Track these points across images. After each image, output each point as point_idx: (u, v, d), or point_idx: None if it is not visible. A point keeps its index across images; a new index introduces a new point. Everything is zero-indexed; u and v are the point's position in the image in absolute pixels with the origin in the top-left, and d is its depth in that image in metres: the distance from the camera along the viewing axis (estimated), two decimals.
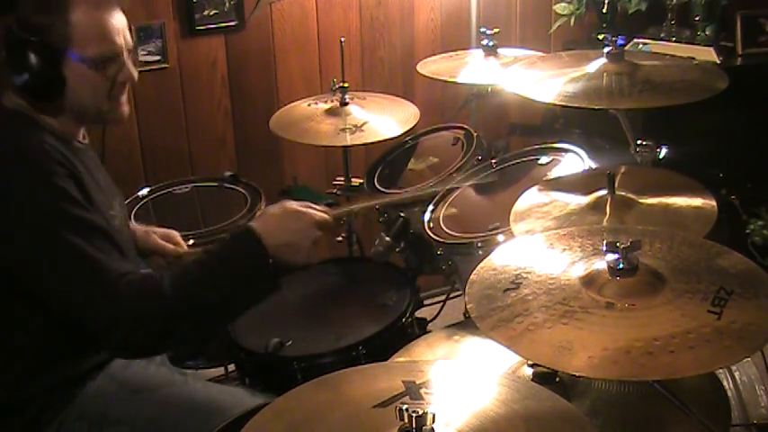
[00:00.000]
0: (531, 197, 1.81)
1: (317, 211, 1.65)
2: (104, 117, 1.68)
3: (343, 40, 2.55)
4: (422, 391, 1.17)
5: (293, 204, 1.64)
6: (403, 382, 1.18)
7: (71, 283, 1.49)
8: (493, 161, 2.28)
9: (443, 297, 2.45)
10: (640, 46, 2.93)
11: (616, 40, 1.91)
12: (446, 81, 2.56)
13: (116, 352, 1.63)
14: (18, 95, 1.60)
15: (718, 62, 2.81)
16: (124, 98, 1.68)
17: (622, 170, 1.80)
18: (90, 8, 1.57)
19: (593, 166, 2.07)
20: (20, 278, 1.52)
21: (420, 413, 1.03)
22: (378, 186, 2.42)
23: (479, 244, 1.95)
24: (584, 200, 1.73)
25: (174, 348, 1.67)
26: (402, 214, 2.26)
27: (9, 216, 1.50)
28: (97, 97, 1.63)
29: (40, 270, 1.51)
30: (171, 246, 2.00)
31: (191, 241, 2.19)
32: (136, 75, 1.67)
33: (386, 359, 1.70)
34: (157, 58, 2.70)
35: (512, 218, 1.74)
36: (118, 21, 1.62)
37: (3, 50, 1.57)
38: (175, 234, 2.04)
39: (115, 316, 1.47)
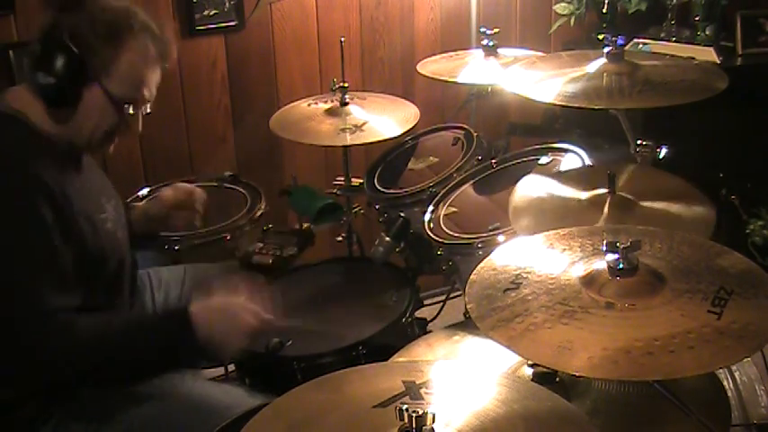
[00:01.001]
0: (529, 189, 1.81)
1: (261, 323, 1.68)
2: (89, 147, 1.70)
3: (343, 40, 2.55)
4: (422, 391, 1.17)
5: (239, 307, 1.67)
6: (403, 382, 1.18)
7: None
8: (493, 161, 2.28)
9: (443, 297, 2.45)
10: (640, 46, 2.92)
11: (616, 40, 1.91)
12: (446, 81, 2.56)
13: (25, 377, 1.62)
14: (28, 90, 1.61)
15: (718, 62, 2.81)
16: (115, 142, 1.71)
17: (624, 171, 1.80)
18: (139, 57, 1.62)
19: (594, 165, 2.07)
20: None
21: (420, 413, 1.03)
22: (378, 186, 2.42)
23: (479, 244, 1.95)
24: (583, 196, 1.73)
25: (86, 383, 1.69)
26: (402, 214, 2.26)
27: None
28: (98, 129, 1.65)
29: None
30: (180, 193, 2.03)
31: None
32: (140, 129, 1.71)
33: (386, 359, 1.70)
34: None
35: (511, 214, 1.74)
36: (155, 77, 1.67)
37: (39, 45, 1.58)
38: (180, 183, 2.08)
39: (28, 349, 1.51)
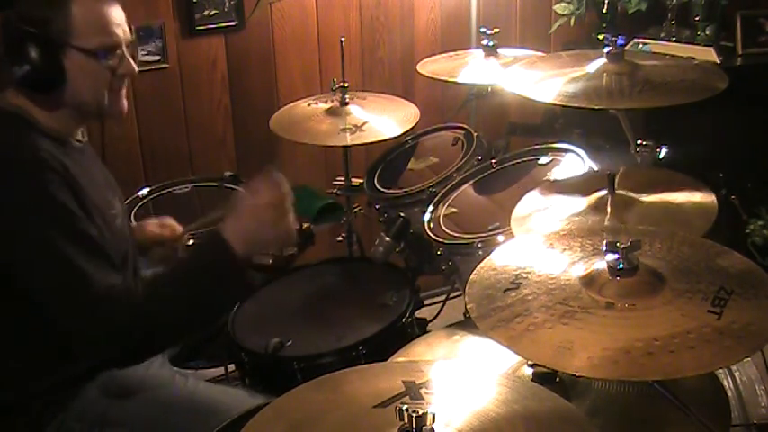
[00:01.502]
0: (531, 201, 1.81)
1: (276, 198, 1.66)
2: (104, 112, 1.67)
3: (343, 40, 2.55)
4: (422, 391, 1.16)
5: (248, 200, 1.66)
6: (403, 382, 1.18)
7: (56, 292, 1.51)
8: (493, 161, 2.28)
9: (443, 297, 2.45)
10: (640, 46, 2.92)
11: (616, 40, 1.91)
12: (446, 81, 2.56)
13: (95, 361, 1.62)
14: (18, 91, 1.60)
15: (718, 62, 2.81)
16: (123, 92, 1.68)
17: (622, 171, 1.80)
18: (90, 1, 1.58)
19: (593, 165, 2.07)
20: (15, 279, 1.52)
21: (420, 413, 1.03)
22: (378, 186, 2.42)
23: (479, 244, 1.95)
24: (584, 201, 1.73)
25: (156, 353, 1.69)
26: (402, 214, 2.26)
27: (3, 221, 1.50)
28: (98, 90, 1.62)
29: (29, 275, 1.52)
30: (167, 231, 1.99)
31: (191, 241, 2.19)
32: (136, 68, 1.68)
33: (386, 359, 1.70)
34: (157, 58, 2.70)
35: (512, 222, 1.74)
36: (117, 13, 1.63)
37: (2, 44, 1.57)
38: (169, 220, 2.03)
39: (94, 329, 1.50)
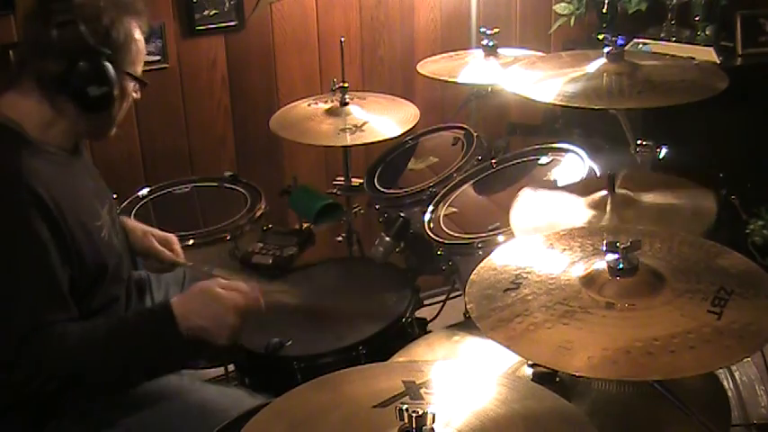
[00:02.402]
0: (530, 199, 1.81)
1: (243, 296, 1.65)
2: (110, 133, 1.73)
3: (343, 40, 2.55)
4: (422, 391, 1.17)
5: (217, 286, 1.64)
6: (403, 382, 1.18)
7: None
8: (493, 161, 2.28)
9: (443, 297, 2.45)
10: (640, 46, 2.92)
11: (616, 40, 1.91)
12: (446, 81, 2.56)
13: (15, 391, 1.58)
14: (29, 100, 1.60)
15: (718, 62, 2.80)
16: None
17: (622, 173, 1.81)
18: (136, 31, 1.65)
19: (593, 165, 2.07)
20: None
21: (420, 413, 1.03)
22: (378, 186, 2.42)
23: (479, 244, 1.95)
24: (584, 200, 1.73)
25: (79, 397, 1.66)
26: (402, 214, 2.26)
27: None
28: (123, 113, 1.70)
29: None
30: (167, 252, 2.00)
31: (190, 241, 2.19)
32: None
33: (386, 359, 1.70)
34: (157, 58, 2.70)
35: (512, 221, 1.74)
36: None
37: (57, 61, 1.57)
38: (174, 240, 2.04)
39: (18, 361, 1.49)
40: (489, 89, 2.61)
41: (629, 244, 1.28)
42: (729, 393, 1.68)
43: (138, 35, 1.66)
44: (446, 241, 2.04)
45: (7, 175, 1.53)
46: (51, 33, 1.56)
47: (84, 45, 1.57)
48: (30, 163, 1.56)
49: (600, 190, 1.73)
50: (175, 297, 1.64)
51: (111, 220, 1.77)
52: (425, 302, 2.31)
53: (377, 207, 2.39)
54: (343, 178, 2.64)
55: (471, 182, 2.25)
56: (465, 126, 2.51)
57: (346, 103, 2.47)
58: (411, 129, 2.47)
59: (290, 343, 1.92)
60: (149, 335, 1.61)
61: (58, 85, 1.59)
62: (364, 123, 2.41)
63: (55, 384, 1.52)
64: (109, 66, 1.59)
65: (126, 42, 1.62)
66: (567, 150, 2.20)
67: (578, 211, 1.71)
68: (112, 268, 1.69)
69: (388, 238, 2.24)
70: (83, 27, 1.57)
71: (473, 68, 2.56)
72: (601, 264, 1.30)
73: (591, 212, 1.69)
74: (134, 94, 1.71)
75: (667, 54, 2.40)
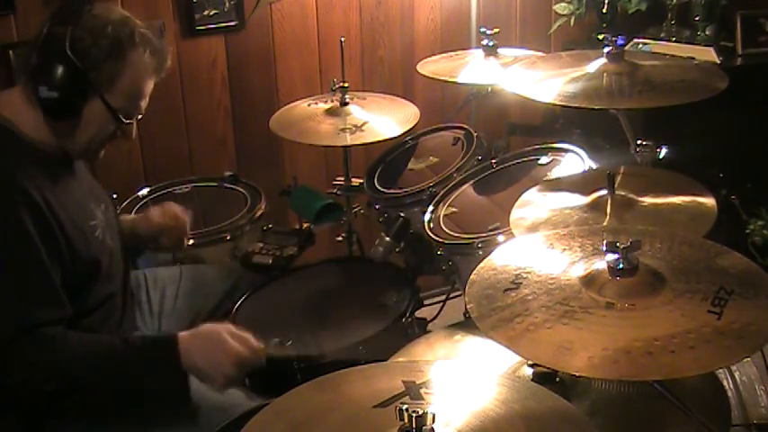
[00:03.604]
0: (531, 198, 1.81)
1: (249, 350, 1.65)
2: (82, 155, 1.71)
3: (343, 40, 2.54)
4: (422, 391, 1.17)
5: (227, 333, 1.64)
6: (403, 382, 1.18)
7: None
8: (493, 161, 2.28)
9: (443, 297, 2.45)
10: (640, 46, 2.92)
11: (616, 40, 1.91)
12: (446, 81, 2.56)
13: (11, 391, 1.59)
14: (24, 100, 1.60)
15: (718, 62, 2.81)
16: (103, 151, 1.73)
17: (622, 170, 1.80)
18: (140, 71, 1.63)
19: (593, 166, 2.07)
20: None
21: (420, 413, 1.03)
22: (378, 186, 2.42)
23: (479, 244, 1.95)
24: (584, 200, 1.73)
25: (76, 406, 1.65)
26: (402, 214, 2.26)
27: None
28: (94, 139, 1.66)
29: None
30: (170, 219, 2.00)
31: (191, 241, 2.19)
32: (134, 136, 1.73)
33: (386, 359, 1.70)
34: None
35: (512, 221, 1.74)
36: (150, 87, 1.68)
37: (38, 56, 1.57)
38: (172, 205, 2.04)
39: (12, 362, 1.49)
40: (489, 89, 2.61)
41: (629, 244, 1.28)
42: (729, 393, 1.68)
43: (139, 74, 1.63)
44: (446, 241, 2.04)
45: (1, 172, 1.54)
46: (43, 30, 1.56)
47: (62, 48, 1.54)
48: (21, 161, 1.57)
49: (600, 189, 1.73)
50: (183, 332, 1.64)
51: (107, 221, 1.77)
52: (425, 302, 2.31)
53: (377, 207, 2.39)
54: (343, 178, 2.64)
55: (471, 182, 2.25)
56: (465, 126, 2.51)
57: (346, 103, 2.47)
58: (411, 129, 2.47)
59: (289, 343, 1.92)
60: (150, 361, 1.60)
61: (27, 78, 1.59)
62: (364, 123, 2.41)
63: (53, 385, 1.52)
64: (77, 77, 1.55)
65: (117, 71, 1.59)
66: (567, 150, 2.20)
67: (578, 211, 1.71)
68: (106, 266, 1.70)
69: (388, 238, 2.24)
70: (79, 33, 1.55)
71: (473, 68, 2.56)
72: (601, 264, 1.30)
73: (591, 213, 1.69)
74: (111, 126, 1.65)
75: (667, 54, 2.41)
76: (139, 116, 1.71)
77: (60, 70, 1.55)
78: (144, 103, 1.68)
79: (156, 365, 1.60)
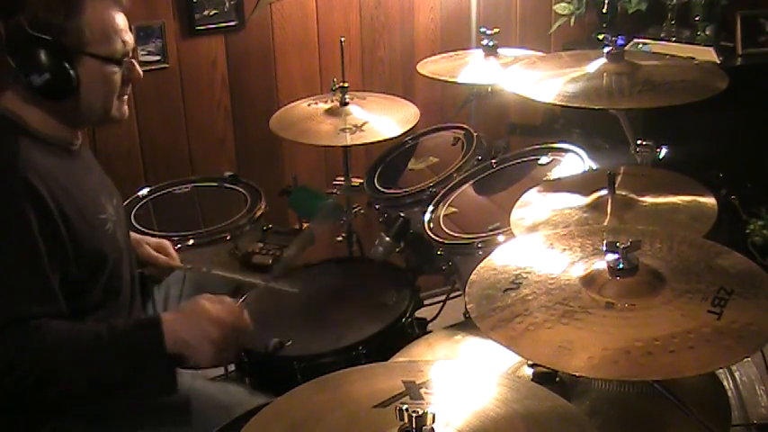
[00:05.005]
0: (531, 198, 1.81)
1: (227, 310, 1.63)
2: (110, 117, 1.68)
3: (343, 40, 2.55)
4: (422, 391, 1.16)
5: (204, 300, 1.63)
6: (403, 382, 1.18)
7: None
8: (493, 161, 2.28)
9: (443, 297, 2.45)
10: (640, 46, 2.93)
11: (616, 40, 1.91)
12: (446, 81, 2.56)
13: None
14: (22, 96, 1.59)
15: (718, 62, 2.81)
16: (126, 97, 1.70)
17: (622, 170, 1.80)
18: (100, 10, 1.59)
19: (593, 166, 2.07)
20: None
21: (420, 413, 1.02)
22: (378, 186, 2.42)
23: (479, 244, 1.95)
24: (584, 200, 1.73)
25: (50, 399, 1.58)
26: (402, 214, 2.26)
27: None
28: (107, 96, 1.64)
29: None
30: (163, 257, 2.01)
31: (191, 241, 2.19)
32: (141, 75, 1.70)
33: (386, 359, 1.70)
34: (157, 58, 2.70)
35: (512, 221, 1.74)
36: (123, 20, 1.64)
37: (10, 50, 1.55)
38: (167, 245, 2.05)
39: None
40: (489, 89, 2.61)
41: (629, 244, 1.28)
42: (729, 393, 1.68)
43: (100, 11, 1.59)
44: (446, 241, 2.04)
45: (1, 163, 1.53)
46: (1, 30, 1.55)
47: (25, 34, 1.53)
48: (28, 153, 1.56)
49: (600, 189, 1.73)
50: (167, 312, 1.64)
51: (117, 216, 1.77)
52: (425, 302, 2.31)
53: (377, 207, 2.39)
54: (343, 178, 2.63)
55: (471, 182, 2.25)
56: (465, 126, 2.51)
57: (346, 104, 2.47)
58: (411, 129, 2.47)
59: (290, 343, 1.92)
60: (135, 343, 1.57)
61: (13, 79, 1.58)
62: (364, 123, 2.41)
63: (31, 381, 1.48)
64: (53, 49, 1.53)
65: (82, 22, 1.56)
66: (567, 150, 2.20)
67: (578, 211, 1.71)
68: (113, 262, 1.69)
69: (388, 238, 2.24)
70: (29, 11, 1.53)
71: (473, 68, 2.56)
72: (601, 264, 1.30)
73: (591, 213, 1.69)
74: (113, 74, 1.63)
75: (667, 54, 2.41)
76: (131, 50, 1.67)
77: (37, 53, 1.54)
78: (129, 37, 1.65)
79: (142, 345, 1.57)
